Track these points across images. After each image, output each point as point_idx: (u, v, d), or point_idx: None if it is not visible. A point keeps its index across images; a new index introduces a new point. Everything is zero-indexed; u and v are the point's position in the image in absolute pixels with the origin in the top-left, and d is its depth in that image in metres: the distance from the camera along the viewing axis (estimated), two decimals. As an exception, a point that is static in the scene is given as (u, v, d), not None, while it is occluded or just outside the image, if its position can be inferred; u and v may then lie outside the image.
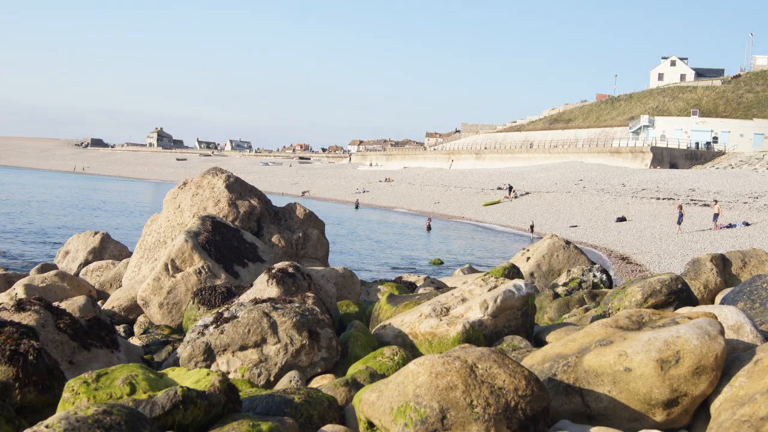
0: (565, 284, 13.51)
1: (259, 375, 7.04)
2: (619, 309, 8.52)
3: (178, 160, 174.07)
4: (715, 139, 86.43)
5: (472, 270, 18.56)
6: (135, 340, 9.21)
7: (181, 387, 4.89)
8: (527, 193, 66.25)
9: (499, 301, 7.68)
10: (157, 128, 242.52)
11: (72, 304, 9.19)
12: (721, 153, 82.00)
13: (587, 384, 5.46)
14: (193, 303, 9.40)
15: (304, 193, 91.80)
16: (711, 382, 5.20)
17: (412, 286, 13.48)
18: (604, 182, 65.09)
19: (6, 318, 6.74)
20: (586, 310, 10.94)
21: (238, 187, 14.65)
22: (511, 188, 67.50)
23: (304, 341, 7.16)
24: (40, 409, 5.70)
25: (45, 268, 15.12)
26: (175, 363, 7.29)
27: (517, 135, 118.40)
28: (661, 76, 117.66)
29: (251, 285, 9.52)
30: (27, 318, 6.86)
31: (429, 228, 48.91)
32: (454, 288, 9.23)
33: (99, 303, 11.46)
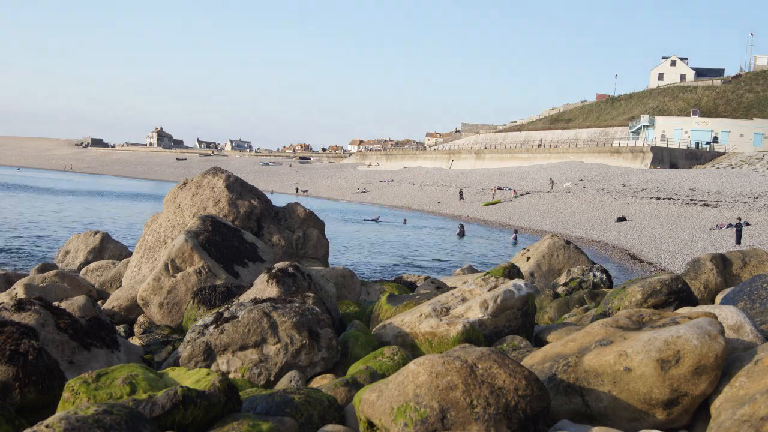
0: (565, 284, 13.51)
1: (259, 375, 7.04)
2: (619, 309, 8.52)
3: (178, 159, 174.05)
4: (716, 139, 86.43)
5: (472, 270, 18.55)
6: (135, 340, 9.22)
7: (181, 387, 4.89)
8: (527, 193, 66.29)
9: (499, 300, 7.68)
10: (157, 128, 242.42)
11: (72, 304, 9.18)
12: (721, 153, 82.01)
13: (587, 384, 5.46)
14: (193, 303, 9.40)
15: (304, 191, 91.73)
16: (711, 382, 5.20)
17: (412, 286, 13.46)
18: (604, 182, 65.12)
19: (6, 318, 6.74)
20: (586, 310, 10.94)
21: (238, 187, 14.65)
22: (500, 189, 68.66)
23: (304, 341, 7.16)
24: (40, 409, 5.69)
25: (45, 267, 15.11)
26: (175, 363, 7.29)
27: (517, 135, 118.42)
28: (661, 76, 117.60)
29: (251, 285, 9.52)
30: (27, 318, 6.86)
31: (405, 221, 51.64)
32: (454, 288, 9.23)
33: (99, 303, 11.46)
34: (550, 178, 70.31)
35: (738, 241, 32.49)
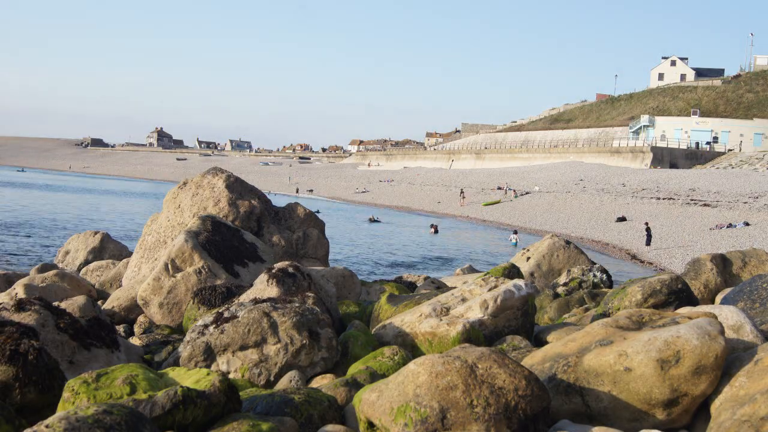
0: (565, 284, 13.50)
1: (259, 375, 7.04)
2: (619, 309, 8.52)
3: (178, 160, 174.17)
4: (716, 139, 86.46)
5: (472, 270, 18.55)
6: (135, 340, 9.22)
7: (181, 387, 4.89)
8: (527, 193, 66.31)
9: (499, 300, 7.68)
10: (157, 128, 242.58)
11: (72, 304, 9.18)
12: (721, 153, 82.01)
13: (587, 384, 5.45)
14: (193, 303, 9.40)
15: (309, 191, 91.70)
16: (711, 382, 5.19)
17: (412, 286, 13.46)
18: (604, 182, 65.12)
19: (6, 318, 6.74)
20: (586, 309, 10.93)
21: (238, 187, 14.64)
22: (500, 189, 69.69)
23: (304, 341, 7.16)
24: (40, 409, 5.69)
25: (45, 267, 15.10)
26: (175, 363, 7.29)
27: (517, 135, 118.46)
28: (661, 76, 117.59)
29: (251, 285, 9.52)
30: (27, 318, 6.85)
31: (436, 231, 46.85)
32: (454, 288, 9.23)
33: (99, 303, 11.46)
34: (461, 190, 70.97)
35: (647, 243, 35.68)
